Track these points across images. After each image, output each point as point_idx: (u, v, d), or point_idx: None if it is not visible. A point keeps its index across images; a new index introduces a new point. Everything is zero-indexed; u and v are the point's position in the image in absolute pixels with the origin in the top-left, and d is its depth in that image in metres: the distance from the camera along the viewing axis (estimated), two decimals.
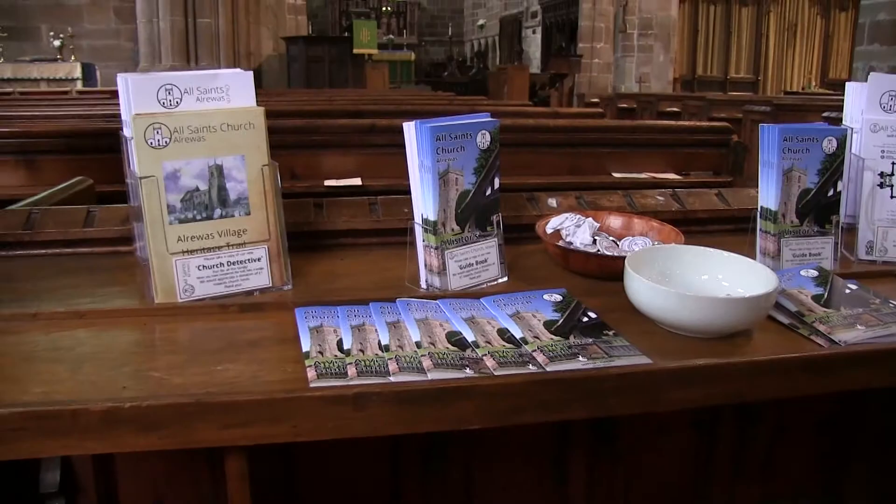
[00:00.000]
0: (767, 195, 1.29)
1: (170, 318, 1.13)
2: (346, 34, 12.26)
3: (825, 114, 6.16)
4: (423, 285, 1.22)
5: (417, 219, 1.22)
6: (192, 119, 1.17)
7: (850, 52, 8.22)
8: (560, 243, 1.34)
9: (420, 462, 1.49)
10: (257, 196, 1.22)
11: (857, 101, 1.47)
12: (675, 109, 7.79)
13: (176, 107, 1.18)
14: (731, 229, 1.49)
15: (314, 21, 16.96)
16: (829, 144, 1.28)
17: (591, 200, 1.49)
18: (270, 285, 1.23)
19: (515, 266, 1.34)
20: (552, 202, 1.48)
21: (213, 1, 10.15)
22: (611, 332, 1.04)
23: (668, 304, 1.04)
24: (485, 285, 1.25)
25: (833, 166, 1.29)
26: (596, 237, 1.36)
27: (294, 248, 1.42)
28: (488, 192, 1.24)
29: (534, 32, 15.69)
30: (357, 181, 2.61)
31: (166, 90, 1.17)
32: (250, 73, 1.27)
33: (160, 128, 1.15)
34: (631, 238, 1.36)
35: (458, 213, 1.21)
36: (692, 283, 1.16)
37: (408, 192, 1.25)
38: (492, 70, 15.63)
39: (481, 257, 1.25)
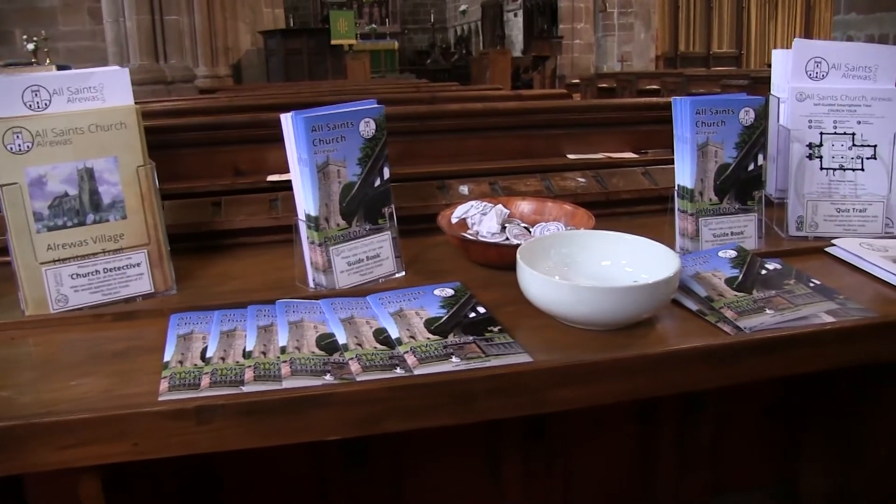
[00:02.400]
0: (683, 172, 1.20)
1: (40, 331, 1.06)
2: (325, 25, 12.10)
3: None
4: (311, 284, 1.14)
5: (301, 215, 1.13)
6: (57, 121, 1.09)
7: (831, 23, 8.12)
8: (467, 233, 1.26)
9: (346, 464, 1.42)
10: (134, 199, 1.14)
11: (784, 69, 1.38)
12: (654, 87, 7.69)
13: (45, 109, 1.10)
14: (658, 209, 1.40)
15: (295, 14, 16.79)
16: (747, 115, 1.19)
17: (507, 186, 1.40)
18: (153, 291, 1.15)
19: (419, 259, 1.26)
20: (464, 189, 1.39)
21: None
22: (496, 329, 0.96)
23: (561, 297, 0.95)
24: (381, 280, 1.16)
25: (752, 138, 1.20)
26: (506, 225, 1.27)
27: (189, 250, 1.34)
28: (377, 182, 1.15)
29: (515, 16, 15.51)
30: None
31: (32, 92, 1.09)
32: (125, 71, 1.19)
33: (20, 132, 1.07)
34: (544, 224, 1.27)
35: (343, 206, 1.12)
36: (593, 270, 1.07)
37: None
38: (474, 55, 15.49)
39: (372, 252, 1.16)
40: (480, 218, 1.25)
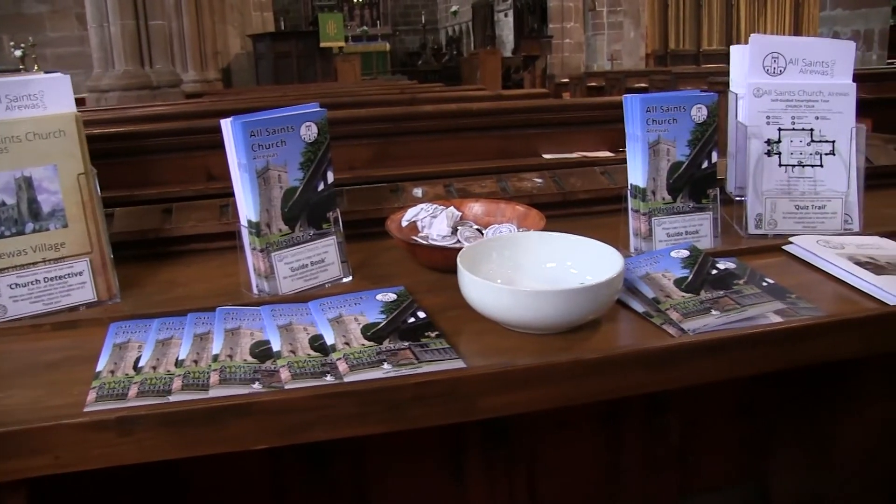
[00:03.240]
0: (635, 171, 1.18)
1: None
2: (314, 28, 12.08)
3: None
4: (255, 291, 1.11)
5: (243, 221, 1.11)
6: None
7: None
8: (417, 237, 1.23)
9: (306, 469, 1.39)
10: (75, 207, 1.11)
11: (742, 64, 1.35)
12: (643, 85, 7.67)
13: None
14: (617, 209, 1.37)
15: (286, 17, 16.79)
16: (699, 112, 1.17)
17: (462, 188, 1.37)
18: (96, 300, 1.13)
19: (368, 264, 1.23)
20: (417, 192, 1.36)
21: (174, 3, 10.01)
22: (433, 334, 0.93)
23: (500, 302, 0.93)
24: (326, 285, 1.14)
25: (705, 136, 1.17)
26: (458, 227, 1.24)
27: (139, 257, 1.32)
28: (320, 187, 1.13)
29: (506, 16, 15.49)
30: None
31: None
32: (67, 78, 1.17)
33: None
34: (496, 226, 1.25)
35: (285, 212, 1.10)
36: (538, 272, 1.04)
37: None
38: (465, 56, 15.47)
39: (317, 257, 1.13)
40: (430, 221, 1.23)
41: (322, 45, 11.03)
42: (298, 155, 1.11)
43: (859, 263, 1.11)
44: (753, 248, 1.24)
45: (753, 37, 1.32)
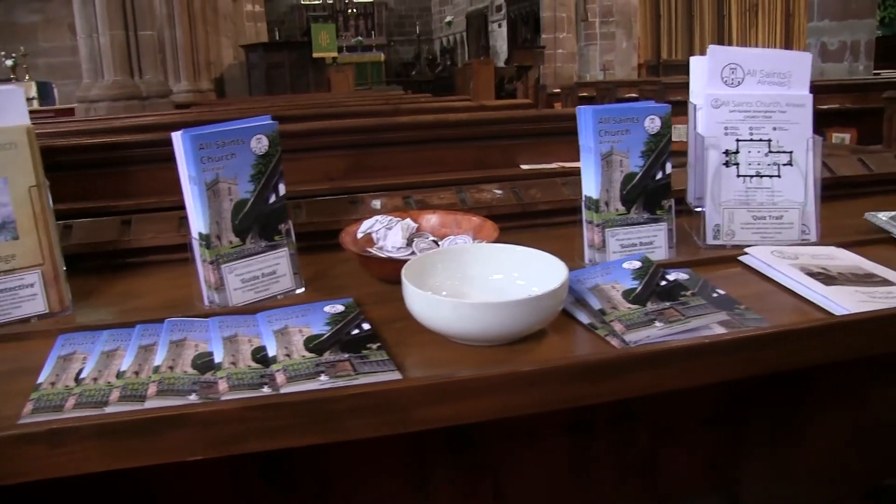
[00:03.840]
0: (588, 183, 1.18)
1: None
2: (306, 38, 12.10)
3: None
4: (206, 302, 1.11)
5: (194, 233, 1.10)
6: None
7: None
8: (373, 249, 1.23)
9: (262, 481, 1.39)
10: (26, 219, 1.11)
11: (701, 75, 1.35)
12: (633, 95, 7.68)
13: None
14: (577, 220, 1.37)
15: (281, 27, 16.85)
16: (652, 124, 1.17)
17: (420, 199, 1.37)
18: (47, 311, 1.13)
19: (323, 275, 1.23)
20: (375, 204, 1.36)
21: (166, 13, 10.03)
22: (375, 346, 0.93)
23: (442, 314, 0.93)
24: (279, 297, 1.14)
25: (659, 147, 1.17)
26: (414, 239, 1.24)
27: (97, 269, 1.31)
28: (271, 199, 1.13)
29: (499, 26, 15.55)
30: None
31: None
32: (20, 90, 1.17)
33: None
34: (452, 237, 1.25)
35: (236, 224, 1.10)
36: (485, 284, 1.04)
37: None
38: (459, 66, 15.52)
39: (269, 269, 1.13)
40: (385, 233, 1.23)
41: (315, 55, 11.05)
42: (249, 167, 1.11)
43: (811, 274, 1.11)
44: (710, 259, 1.24)
45: (711, 48, 1.33)
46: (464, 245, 1.14)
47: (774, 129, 1.30)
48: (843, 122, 6.11)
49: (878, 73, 7.46)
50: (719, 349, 0.90)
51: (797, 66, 1.33)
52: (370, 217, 1.28)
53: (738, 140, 1.30)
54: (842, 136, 6.16)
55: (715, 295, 1.06)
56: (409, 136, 2.61)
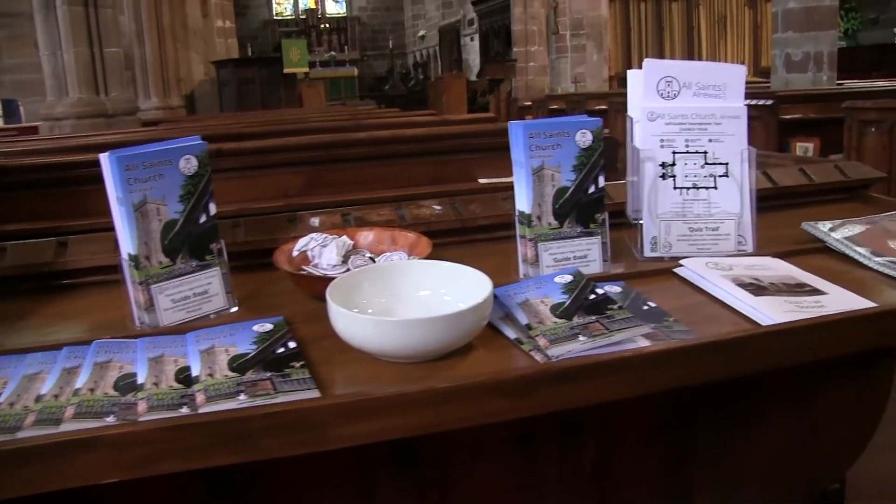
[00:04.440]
0: (521, 197, 1.18)
1: None
2: (277, 54, 12.08)
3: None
4: (137, 323, 1.10)
5: (123, 254, 1.09)
6: None
7: None
8: (308, 267, 1.22)
9: (207, 495, 1.37)
10: None
11: (638, 89, 1.36)
12: (602, 107, 7.74)
13: None
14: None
15: (254, 43, 16.82)
16: (584, 138, 1.17)
17: (359, 216, 1.37)
18: None
19: (258, 294, 1.22)
20: (314, 221, 1.35)
21: (135, 29, 9.97)
22: (298, 365, 0.93)
23: (365, 332, 0.92)
24: (212, 316, 1.13)
25: (591, 161, 1.18)
26: (351, 256, 1.24)
27: (31, 291, 1.30)
28: (202, 219, 1.12)
29: (472, 40, 15.62)
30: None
31: None
32: None
33: None
34: (388, 253, 1.24)
35: (165, 244, 1.09)
36: (411, 300, 1.04)
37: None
38: (432, 80, 15.56)
39: (200, 289, 1.12)
40: (320, 250, 1.22)
41: (286, 71, 11.04)
42: (178, 188, 1.10)
43: (742, 285, 1.11)
44: (647, 272, 1.24)
45: (647, 62, 1.34)
46: (391, 262, 1.14)
47: (710, 140, 1.31)
48: (807, 132, 6.20)
49: (842, 84, 7.58)
50: (640, 362, 0.90)
51: (732, 79, 1.34)
52: (303, 235, 1.27)
53: (674, 152, 1.31)
54: (805, 146, 6.23)
55: (645, 308, 1.06)
56: (365, 152, 2.61)
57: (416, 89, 16.54)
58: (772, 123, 5.97)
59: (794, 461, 1.46)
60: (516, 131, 1.16)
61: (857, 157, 5.35)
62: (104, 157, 1.07)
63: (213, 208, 1.14)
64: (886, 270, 1.20)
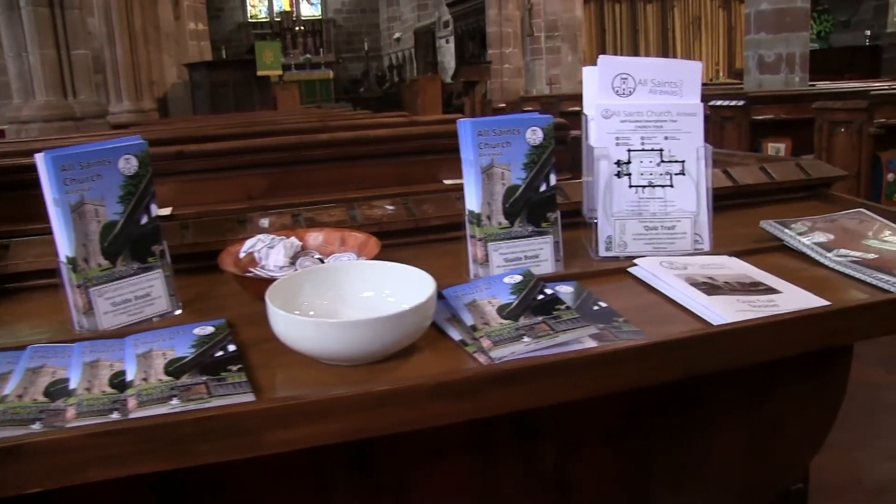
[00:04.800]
0: (470, 197, 1.16)
1: None
2: (250, 57, 12.00)
3: (711, 102, 6.17)
4: (76, 327, 1.07)
5: (61, 256, 1.06)
6: None
7: None
8: (255, 269, 1.20)
9: (156, 498, 1.34)
10: None
11: (593, 86, 1.35)
12: (576, 108, 7.74)
13: None
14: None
15: (228, 45, 16.71)
16: (534, 135, 1.15)
17: (310, 217, 1.34)
18: None
19: (205, 296, 1.19)
20: (264, 223, 1.33)
21: (106, 32, 9.86)
22: (235, 368, 0.90)
23: (304, 333, 0.90)
24: (154, 319, 1.10)
25: (542, 159, 1.16)
26: (299, 257, 1.21)
27: None
28: (143, 220, 1.09)
29: (447, 42, 15.61)
30: (167, 211, 2.44)
31: None
32: None
33: None
34: (337, 254, 1.22)
35: (105, 246, 1.06)
36: (355, 302, 1.02)
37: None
38: (407, 82, 15.54)
39: (142, 291, 1.09)
40: (267, 252, 1.20)
41: (259, 73, 10.96)
42: (117, 188, 1.07)
43: (695, 284, 1.10)
44: (601, 271, 1.23)
45: (601, 58, 1.32)
46: (333, 263, 1.11)
47: (666, 138, 1.30)
48: (779, 133, 6.23)
49: (814, 85, 7.63)
50: (585, 364, 0.88)
51: (688, 76, 1.32)
52: (251, 237, 1.24)
53: (629, 150, 1.29)
54: (777, 147, 6.27)
55: (596, 308, 1.04)
56: (329, 154, 2.58)
57: (391, 91, 16.51)
58: (744, 124, 6.00)
59: (753, 460, 1.45)
60: (465, 129, 1.14)
61: (828, 158, 5.39)
62: (39, 158, 1.04)
63: (154, 209, 1.11)
64: (842, 268, 1.19)
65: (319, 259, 1.22)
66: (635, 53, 14.90)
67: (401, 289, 1.00)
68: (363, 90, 17.86)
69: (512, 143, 1.14)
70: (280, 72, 12.05)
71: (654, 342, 0.92)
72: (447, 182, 2.63)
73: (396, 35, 18.73)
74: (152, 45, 10.73)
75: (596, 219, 1.30)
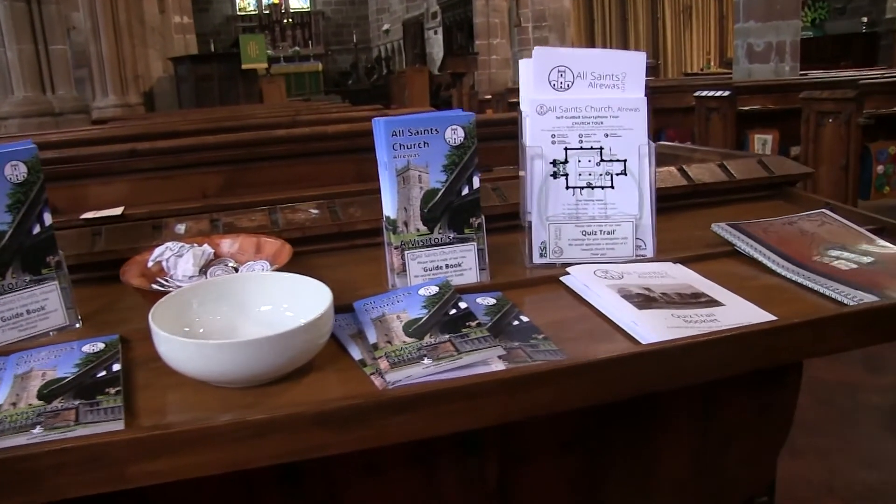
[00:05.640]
0: (386, 202, 1.08)
1: None
2: (235, 50, 11.87)
3: (696, 93, 6.08)
4: None
5: None
6: None
7: None
8: (164, 279, 1.11)
9: None
10: None
11: (529, 79, 1.26)
12: None
13: None
14: None
15: (217, 39, 16.55)
16: (454, 135, 1.07)
17: (229, 222, 1.26)
18: None
19: (109, 308, 1.12)
20: (179, 229, 1.24)
21: (91, 26, 9.75)
22: (113, 391, 0.82)
23: (187, 355, 0.82)
24: (52, 333, 1.02)
25: (463, 160, 1.08)
26: (211, 266, 1.13)
27: None
28: (35, 230, 1.02)
29: (435, 33, 15.47)
30: (118, 211, 2.35)
31: None
32: None
33: None
34: (251, 263, 1.14)
35: None
36: (251, 316, 0.94)
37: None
38: (395, 74, 15.42)
39: (35, 305, 1.01)
40: (175, 261, 1.12)
41: (244, 66, 10.84)
42: (5, 197, 0.99)
43: (628, 296, 1.02)
44: (533, 280, 1.15)
45: (537, 49, 1.23)
46: (225, 276, 1.03)
47: (606, 135, 1.21)
48: (766, 124, 6.13)
49: (805, 74, 7.54)
50: (486, 389, 0.80)
51: (632, 67, 1.24)
52: (160, 244, 1.16)
53: (566, 149, 1.21)
54: (764, 138, 6.18)
55: (516, 323, 0.96)
56: (287, 150, 2.50)
57: (379, 84, 16.37)
58: (729, 115, 5.90)
59: (706, 475, 1.38)
60: (378, 128, 1.06)
61: (815, 149, 5.29)
62: None
63: (48, 218, 1.03)
64: (795, 277, 1.10)
65: (234, 268, 1.14)
66: (624, 44, 14.77)
67: (299, 302, 0.92)
68: (352, 82, 17.71)
69: (430, 144, 1.05)
70: (265, 65, 11.92)
71: (568, 364, 0.84)
72: None
73: (385, 27, 18.60)
74: (137, 40, 10.63)
75: (530, 222, 1.21)
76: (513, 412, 0.83)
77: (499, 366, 0.84)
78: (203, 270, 1.12)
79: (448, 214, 1.07)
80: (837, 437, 2.44)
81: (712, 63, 15.10)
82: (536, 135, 1.21)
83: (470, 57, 12.60)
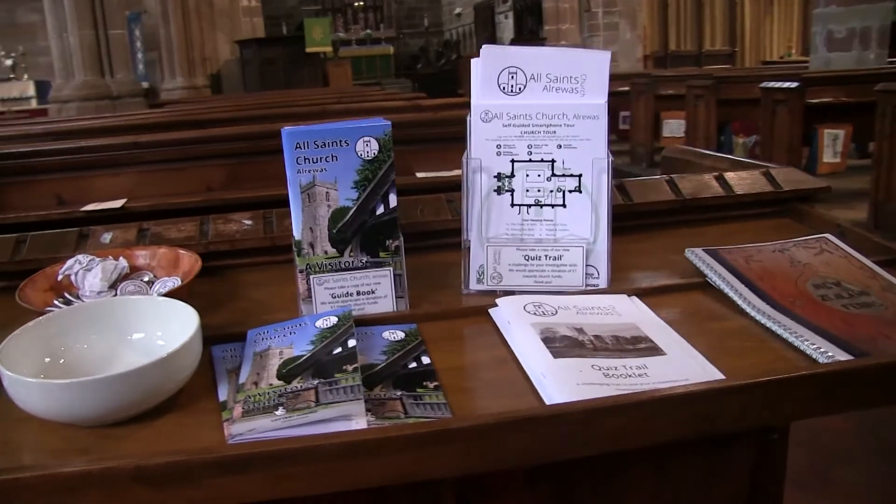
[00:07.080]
0: (294, 221, 0.98)
1: None
2: (299, 33, 11.89)
3: (762, 84, 5.78)
4: None
5: None
6: None
7: None
8: (70, 294, 1.05)
9: None
10: None
11: (476, 82, 1.14)
12: (625, 89, 7.42)
13: None
14: None
15: (288, 22, 16.67)
16: (367, 147, 0.96)
17: (157, 232, 1.18)
18: None
19: (14, 324, 1.05)
20: (105, 238, 1.17)
21: (161, 10, 9.94)
22: None
23: (31, 396, 0.74)
24: None
25: (378, 175, 0.97)
26: (123, 281, 1.06)
27: None
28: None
29: (506, 17, 15.24)
30: (119, 203, 2.33)
31: None
32: None
33: None
34: (165, 279, 1.06)
35: None
36: (119, 346, 0.86)
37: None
38: (463, 58, 15.24)
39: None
40: (84, 275, 1.04)
41: (308, 50, 10.86)
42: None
43: (550, 339, 0.89)
44: (460, 311, 1.03)
45: (486, 48, 1.11)
46: (97, 301, 0.95)
47: (560, 147, 1.08)
48: (838, 118, 5.78)
49: (893, 62, 7.09)
50: (334, 453, 0.69)
51: (594, 69, 1.10)
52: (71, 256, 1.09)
53: (513, 161, 1.09)
54: (835, 133, 5.83)
55: (413, 366, 0.86)
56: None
57: (445, 68, 16.21)
58: (797, 108, 5.57)
59: None
60: (284, 140, 0.96)
61: (890, 147, 4.93)
62: None
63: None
64: (765, 321, 0.95)
65: (149, 282, 1.06)
66: (699, 31, 14.25)
67: (170, 330, 0.84)
68: (420, 66, 17.62)
69: (339, 158, 0.95)
70: (329, 48, 11.89)
71: (442, 428, 0.72)
72: (420, 175, 2.45)
73: (457, 10, 18.43)
74: (206, 23, 10.78)
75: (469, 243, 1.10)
76: (360, 480, 0.71)
77: (360, 422, 0.74)
78: (114, 285, 1.05)
79: (360, 236, 0.97)
80: (816, 488, 2.21)
81: (794, 51, 14.43)
82: (480, 145, 1.09)
83: (538, 42, 12.34)
